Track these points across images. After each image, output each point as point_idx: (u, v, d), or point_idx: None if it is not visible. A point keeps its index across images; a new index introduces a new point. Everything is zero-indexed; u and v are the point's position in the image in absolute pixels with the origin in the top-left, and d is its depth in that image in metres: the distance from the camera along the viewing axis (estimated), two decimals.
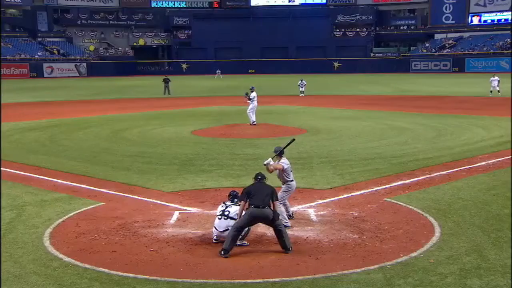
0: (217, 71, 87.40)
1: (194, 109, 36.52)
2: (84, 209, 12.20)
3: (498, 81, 43.81)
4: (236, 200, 10.16)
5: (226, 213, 10.00)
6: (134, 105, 41.41)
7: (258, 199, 9.47)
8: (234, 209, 10.00)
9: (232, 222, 9.73)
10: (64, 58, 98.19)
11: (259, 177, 9.88)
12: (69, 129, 26.12)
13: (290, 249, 9.41)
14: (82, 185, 14.48)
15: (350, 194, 13.24)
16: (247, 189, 9.72)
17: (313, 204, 12.45)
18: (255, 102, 26.64)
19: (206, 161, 17.60)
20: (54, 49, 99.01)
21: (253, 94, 26.79)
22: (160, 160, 17.96)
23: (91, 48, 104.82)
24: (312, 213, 11.73)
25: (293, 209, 11.99)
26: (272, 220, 9.50)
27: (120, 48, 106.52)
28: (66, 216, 11.62)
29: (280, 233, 9.50)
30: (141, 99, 47.66)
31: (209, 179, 14.89)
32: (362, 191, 13.42)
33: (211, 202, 12.61)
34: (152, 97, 48.82)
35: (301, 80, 49.48)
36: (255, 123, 26.31)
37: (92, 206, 12.42)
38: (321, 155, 18.51)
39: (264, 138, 22.54)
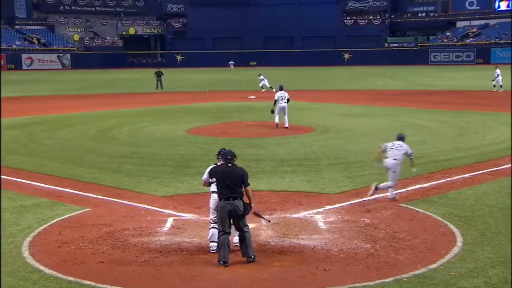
0: (230, 62, 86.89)
1: (190, 105, 36.56)
2: (68, 215, 12.24)
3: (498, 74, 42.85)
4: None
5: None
6: (124, 100, 41.46)
7: (228, 187, 9.25)
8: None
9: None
10: (45, 48, 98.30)
11: (228, 157, 9.49)
12: (52, 127, 26.18)
13: (253, 257, 9.37)
14: (66, 189, 14.52)
15: (361, 199, 13.25)
16: (213, 170, 9.54)
17: (321, 210, 12.46)
18: (280, 101, 25.32)
19: (203, 162, 17.56)
20: (34, 38, 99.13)
21: (279, 94, 25.31)
22: (152, 161, 17.99)
23: (76, 37, 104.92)
24: (319, 220, 11.74)
25: (298, 215, 12.01)
26: (241, 216, 9.29)
27: (107, 38, 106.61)
28: (48, 224, 11.66)
29: (245, 236, 9.37)
30: (131, 94, 47.74)
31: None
32: (375, 196, 13.42)
33: (208, 208, 12.58)
34: (143, 92, 48.89)
35: (259, 75, 48.80)
36: (277, 122, 25.44)
37: (77, 213, 12.46)
38: (330, 156, 18.52)
39: (267, 137, 22.55)
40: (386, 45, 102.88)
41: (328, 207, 12.68)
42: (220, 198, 9.46)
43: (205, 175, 9.97)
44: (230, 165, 9.54)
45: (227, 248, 9.38)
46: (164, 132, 24.40)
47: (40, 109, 34.89)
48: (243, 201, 9.47)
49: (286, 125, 25.11)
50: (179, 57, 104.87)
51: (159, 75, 51.46)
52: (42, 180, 15.54)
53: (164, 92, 48.27)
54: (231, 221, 9.49)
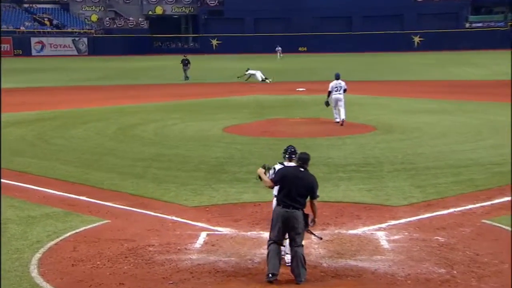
0: (277, 48, 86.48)
1: (227, 99, 36.75)
2: (84, 228, 12.42)
3: None
4: (294, 156, 10.03)
5: None
6: (149, 93, 41.98)
7: (290, 195, 9.45)
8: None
9: None
10: (58, 31, 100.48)
11: (300, 160, 9.68)
12: (65, 124, 26.69)
13: (303, 280, 9.42)
14: (81, 197, 14.75)
15: (434, 213, 13.07)
16: (283, 172, 9.67)
17: (383, 225, 12.34)
18: (335, 93, 25.17)
19: (242, 167, 17.66)
20: (45, 19, 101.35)
21: (334, 83, 25.21)
22: (182, 165, 18.13)
23: (94, 18, 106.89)
24: (382, 237, 11.62)
25: (356, 231, 11.91)
26: (298, 229, 9.39)
27: (131, 19, 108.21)
28: (60, 238, 11.84)
29: (296, 254, 9.47)
30: (157, 85, 48.33)
31: (246, 191, 14.96)
32: (451, 210, 13.22)
33: (248, 221, 12.65)
34: (172, 83, 49.43)
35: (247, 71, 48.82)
36: (338, 120, 25.28)
37: (94, 225, 12.64)
38: (395, 160, 18.33)
39: (319, 137, 22.47)
40: (467, 25, 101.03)
41: (393, 222, 12.53)
42: (278, 203, 9.61)
43: (273, 175, 10.01)
44: (302, 169, 9.68)
45: (277, 257, 9.47)
46: (196, 130, 24.58)
47: (51, 102, 35.63)
48: (303, 212, 9.58)
49: (335, 119, 25.15)
50: (214, 42, 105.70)
51: (185, 63, 51.72)
52: (53, 186, 15.82)
53: (195, 84, 48.65)
54: (287, 232, 9.60)
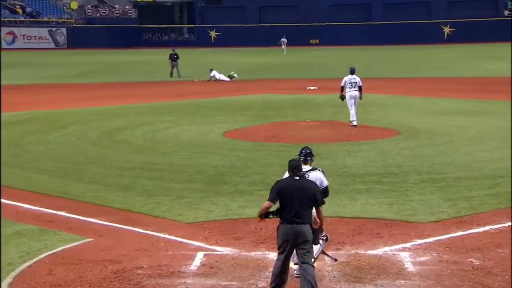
0: (282, 39, 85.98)
1: (228, 99, 36.81)
2: (62, 248, 12.43)
3: None
4: (310, 159, 10.74)
5: None
6: (138, 92, 42.05)
7: (293, 208, 9.63)
8: (315, 176, 10.48)
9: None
10: (32, 20, 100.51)
11: (294, 168, 9.91)
12: (41, 128, 26.75)
13: None
14: (59, 212, 14.79)
15: (467, 231, 13.06)
16: (278, 186, 9.87)
17: (408, 245, 12.34)
18: (349, 89, 25.33)
19: (245, 177, 17.69)
20: (17, 6, 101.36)
21: (348, 78, 25.65)
22: (176, 175, 18.16)
23: (74, 5, 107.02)
24: (406, 259, 11.61)
25: (376, 252, 11.90)
26: (305, 245, 9.59)
27: (117, 7, 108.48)
28: (34, 259, 11.85)
29: (305, 273, 9.57)
30: (148, 83, 48.44)
31: (249, 205, 14.95)
32: (487, 227, 13.20)
33: (251, 239, 12.67)
34: (164, 81, 49.56)
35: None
36: (355, 123, 25.53)
37: (74, 244, 12.65)
38: (421, 170, 18.32)
39: (333, 143, 22.47)
40: (505, 13, 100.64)
41: (419, 241, 12.52)
42: (282, 220, 9.73)
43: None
44: (297, 178, 9.84)
45: (284, 273, 9.67)
46: (192, 135, 24.62)
47: (25, 103, 35.65)
48: (311, 226, 9.72)
49: (353, 120, 25.27)
50: (213, 33, 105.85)
51: (174, 58, 51.84)
52: (26, 200, 15.84)
53: (191, 82, 48.74)
54: (294, 250, 9.75)
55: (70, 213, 14.67)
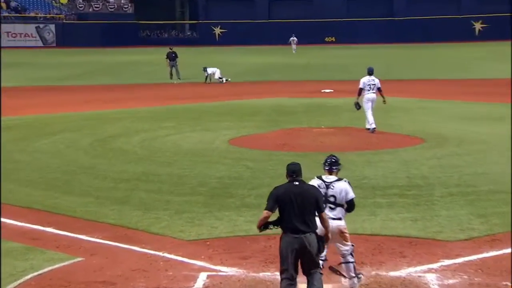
0: (292, 38, 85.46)
1: (234, 103, 36.80)
2: (49, 268, 12.39)
3: None
4: (336, 168, 10.88)
5: (331, 197, 10.60)
6: (134, 95, 42.05)
7: (295, 216, 9.74)
8: (340, 187, 10.64)
9: (343, 211, 10.65)
10: (17, 15, 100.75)
11: (293, 173, 10.05)
12: (27, 135, 26.75)
13: None
14: (47, 229, 14.76)
15: (500, 251, 12.97)
16: (275, 193, 9.99)
17: (435, 266, 12.27)
18: (368, 91, 25.75)
19: (252, 189, 17.66)
20: (1, 0, 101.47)
21: (366, 80, 25.77)
22: (176, 187, 18.14)
23: None
24: (433, 281, 11.57)
25: (399, 273, 11.84)
26: (312, 255, 9.73)
27: (111, 1, 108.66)
28: (19, 281, 11.82)
29: (314, 279, 9.68)
30: (145, 85, 48.50)
31: (257, 220, 14.87)
32: None
33: (260, 259, 12.64)
34: (163, 83, 49.60)
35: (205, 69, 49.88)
36: (374, 126, 25.70)
37: (63, 264, 12.62)
38: (449, 182, 18.25)
39: (350, 152, 22.39)
40: None
41: (447, 262, 12.45)
42: (284, 230, 9.83)
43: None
44: (297, 183, 9.94)
45: None
46: (194, 143, 24.61)
47: (9, 107, 35.49)
48: (316, 234, 9.81)
49: (370, 125, 25.35)
50: (217, 30, 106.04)
51: (172, 57, 51.76)
52: (11, 215, 15.78)
53: (193, 84, 48.79)
54: (299, 262, 9.80)
55: (58, 230, 14.66)
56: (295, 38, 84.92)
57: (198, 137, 25.87)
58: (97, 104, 36.81)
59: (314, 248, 9.73)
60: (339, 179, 10.83)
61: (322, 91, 41.39)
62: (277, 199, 9.83)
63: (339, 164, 11.00)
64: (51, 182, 18.98)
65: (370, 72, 25.69)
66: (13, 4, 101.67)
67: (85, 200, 17.05)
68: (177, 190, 17.85)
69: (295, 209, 9.71)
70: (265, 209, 9.90)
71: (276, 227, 9.91)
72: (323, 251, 10.18)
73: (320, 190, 10.46)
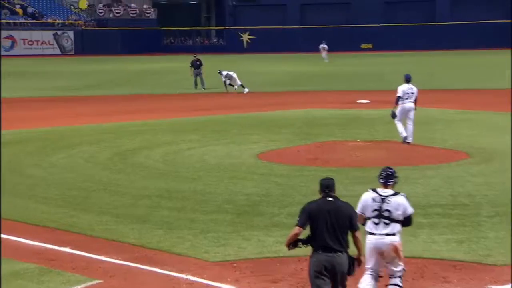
0: (322, 45, 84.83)
1: (262, 115, 36.84)
2: None
3: None
4: (392, 181, 10.93)
5: (386, 212, 10.64)
6: (157, 106, 42.24)
7: (327, 234, 9.83)
8: (397, 202, 10.69)
9: (399, 227, 10.62)
10: (35, 21, 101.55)
11: (326, 188, 10.18)
12: (43, 149, 26.90)
13: None
14: (63, 249, 14.80)
15: None
16: (308, 208, 10.11)
17: None
18: (405, 100, 25.90)
19: (282, 207, 17.61)
20: (17, 6, 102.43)
21: (405, 88, 25.84)
22: (201, 205, 18.14)
23: (83, 4, 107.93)
24: None
25: None
26: (342, 276, 9.79)
27: (133, 6, 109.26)
28: None
29: None
30: (168, 95, 48.77)
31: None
32: None
33: (291, 282, 12.61)
34: (187, 93, 49.83)
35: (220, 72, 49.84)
36: (408, 139, 25.89)
37: (81, 286, 12.63)
38: (497, 201, 18.08)
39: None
40: None
41: (495, 287, 12.36)
42: (315, 248, 9.90)
43: (359, 206, 10.72)
44: (330, 199, 10.03)
45: None
46: (220, 157, 24.63)
47: (25, 119, 35.88)
48: (347, 254, 9.88)
49: (409, 139, 25.45)
50: (245, 37, 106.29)
51: (196, 65, 52.02)
52: (25, 234, 15.86)
53: (219, 94, 48.96)
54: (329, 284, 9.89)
55: (75, 250, 14.70)
56: (325, 46, 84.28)
57: (224, 150, 25.89)
58: (117, 115, 36.96)
59: (345, 269, 9.82)
60: (395, 193, 10.82)
61: (358, 101, 41.31)
62: (309, 215, 9.91)
63: (395, 177, 11.03)
64: (67, 199, 19.05)
65: (408, 80, 25.71)
66: (30, 10, 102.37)
67: (104, 218, 17.10)
68: (202, 207, 17.85)
69: (327, 226, 9.80)
70: (296, 225, 9.98)
71: (306, 245, 9.91)
72: (353, 273, 10.14)
73: (375, 204, 10.56)
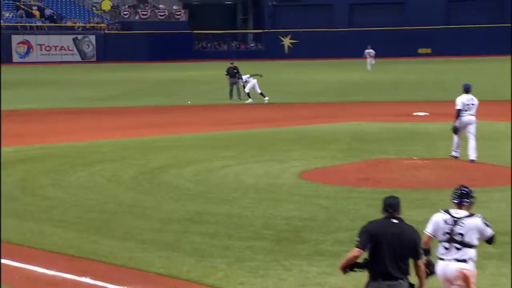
0: (367, 50, 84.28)
1: (306, 129, 36.85)
2: None
3: None
4: (467, 201, 10.97)
5: (458, 235, 10.66)
6: (187, 119, 42.36)
7: (389, 259, 9.81)
8: (472, 225, 10.69)
9: (472, 253, 10.59)
10: (53, 25, 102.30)
11: (388, 208, 10.27)
12: (60, 167, 27.03)
13: None
14: (83, 279, 14.84)
15: None
16: (369, 229, 10.15)
17: None
18: (465, 113, 25.76)
19: (328, 234, 17.56)
20: (34, 8, 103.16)
21: (464, 99, 25.85)
22: (236, 230, 18.12)
23: (106, 6, 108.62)
24: None
25: None
26: None
27: (161, 7, 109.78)
28: None
29: None
30: (200, 107, 48.84)
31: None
32: None
33: None
34: (221, 104, 50.06)
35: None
36: (457, 155, 26.13)
37: None
38: None
39: (449, 189, 21.97)
40: None
41: None
42: (373, 275, 9.90)
43: (430, 227, 10.91)
44: (395, 221, 10.09)
45: None
46: (258, 176, 24.62)
47: (40, 133, 36.12)
48: (409, 282, 9.88)
49: (472, 156, 25.44)
50: (287, 41, 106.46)
51: (233, 74, 52.16)
52: (41, 262, 15.92)
53: (257, 105, 49.10)
54: None
55: (96, 280, 14.73)
56: (371, 51, 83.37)
57: (262, 169, 25.88)
58: (143, 129, 37.09)
59: None
60: (470, 215, 10.75)
61: (414, 114, 41.10)
62: (370, 237, 9.93)
63: (472, 197, 11.00)
64: (88, 223, 19.10)
65: (468, 90, 25.65)
66: (47, 12, 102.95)
67: (128, 244, 17.13)
68: (237, 233, 17.83)
69: (389, 251, 9.80)
70: (356, 247, 9.98)
71: (362, 269, 9.89)
72: None
73: (446, 226, 10.59)
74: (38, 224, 19.12)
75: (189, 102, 50.67)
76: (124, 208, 20.70)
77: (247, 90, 50.17)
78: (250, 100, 49.92)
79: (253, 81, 49.86)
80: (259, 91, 49.42)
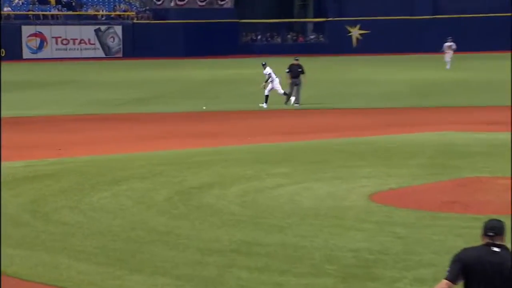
0: (447, 43, 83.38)
1: (376, 140, 36.90)
2: None
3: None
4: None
5: None
6: (232, 127, 42.46)
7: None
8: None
9: None
10: (71, 13, 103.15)
11: (491, 230, 10.10)
12: (79, 186, 27.22)
13: None
14: None
15: None
16: (463, 257, 10.02)
17: None
18: None
19: (406, 270, 17.49)
20: None
21: None
22: (292, 264, 18.08)
23: None
24: None
25: None
26: None
27: None
28: None
29: None
30: (260, 113, 49.02)
31: None
32: None
33: None
34: (275, 109, 50.11)
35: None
36: None
37: None
38: None
39: None
40: None
41: None
42: None
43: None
44: (496, 249, 9.96)
45: None
46: (318, 198, 24.63)
47: (56, 144, 36.42)
48: None
49: None
50: (355, 31, 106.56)
51: (296, 73, 51.83)
52: None
53: (318, 110, 49.23)
54: None
55: None
56: (452, 44, 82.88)
57: (323, 189, 25.89)
58: (178, 140, 37.30)
59: None
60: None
61: None
62: (464, 267, 9.86)
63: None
64: (112, 254, 19.18)
65: None
66: None
67: (160, 280, 17.16)
68: (293, 268, 17.78)
69: (487, 285, 9.77)
70: (445, 278, 9.89)
71: None
72: None
73: None
74: (52, 255, 19.22)
75: (204, 108, 50.72)
76: (155, 236, 20.75)
77: (280, 91, 50.63)
78: (265, 105, 50.15)
79: (277, 79, 50.00)
80: (281, 91, 49.39)
